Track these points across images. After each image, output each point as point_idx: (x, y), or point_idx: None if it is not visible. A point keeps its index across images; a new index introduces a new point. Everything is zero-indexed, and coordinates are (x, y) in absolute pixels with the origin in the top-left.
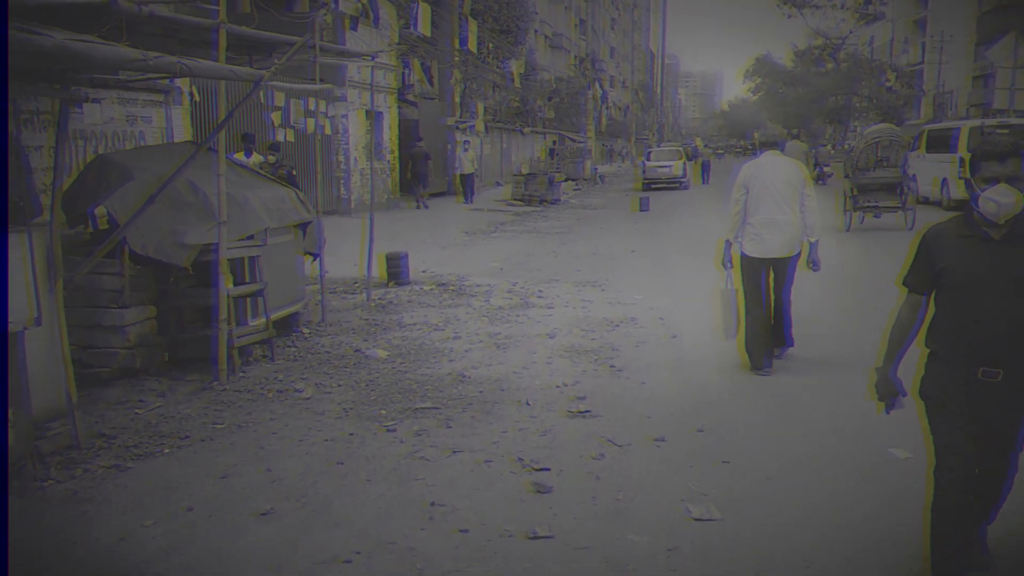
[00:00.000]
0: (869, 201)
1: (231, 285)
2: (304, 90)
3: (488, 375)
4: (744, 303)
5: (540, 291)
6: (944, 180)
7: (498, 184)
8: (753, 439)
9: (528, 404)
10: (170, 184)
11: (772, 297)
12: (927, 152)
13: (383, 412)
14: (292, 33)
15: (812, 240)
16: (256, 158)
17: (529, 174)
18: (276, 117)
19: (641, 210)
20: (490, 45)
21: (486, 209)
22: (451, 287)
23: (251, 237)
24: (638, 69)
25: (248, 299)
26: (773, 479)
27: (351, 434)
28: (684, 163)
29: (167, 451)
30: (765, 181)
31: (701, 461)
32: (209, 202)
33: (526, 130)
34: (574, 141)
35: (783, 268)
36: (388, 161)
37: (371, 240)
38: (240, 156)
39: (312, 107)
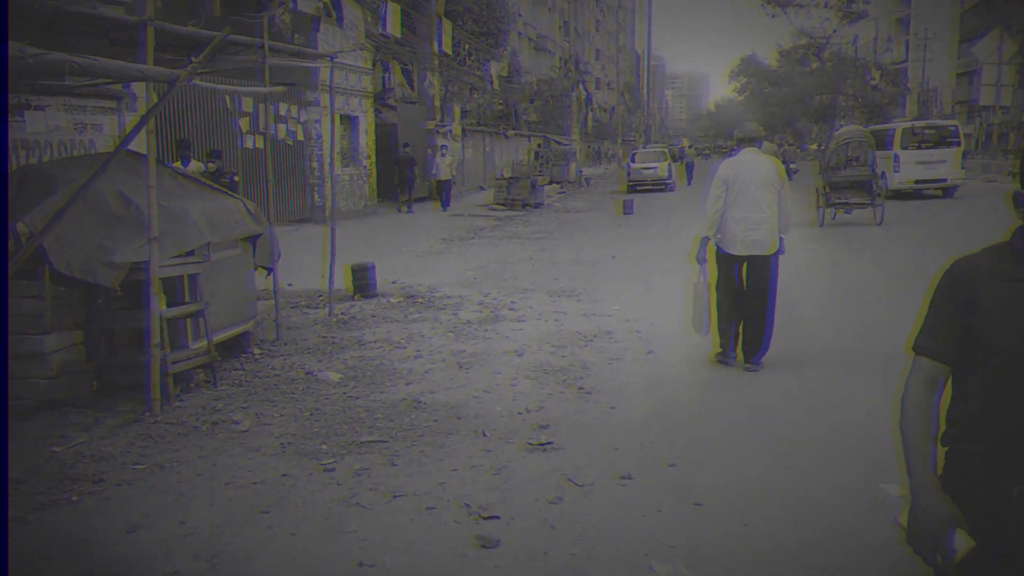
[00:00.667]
0: (840, 198)
1: (164, 306)
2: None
3: (446, 400)
4: (715, 299)
5: (513, 303)
6: (883, 173)
7: (481, 188)
8: (729, 474)
9: (485, 435)
10: (97, 196)
11: (744, 295)
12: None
13: (324, 447)
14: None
15: (784, 235)
16: (195, 166)
17: (511, 178)
18: (244, 123)
19: (625, 213)
20: (466, 47)
21: (467, 214)
22: (420, 299)
23: (191, 253)
24: (624, 71)
25: (188, 320)
26: (750, 526)
27: (284, 475)
28: (669, 164)
29: (75, 499)
30: (744, 179)
31: (671, 503)
32: (143, 215)
33: (510, 133)
34: (559, 143)
35: (760, 266)
36: (365, 167)
37: (333, 251)
38: (177, 165)
39: (283, 112)
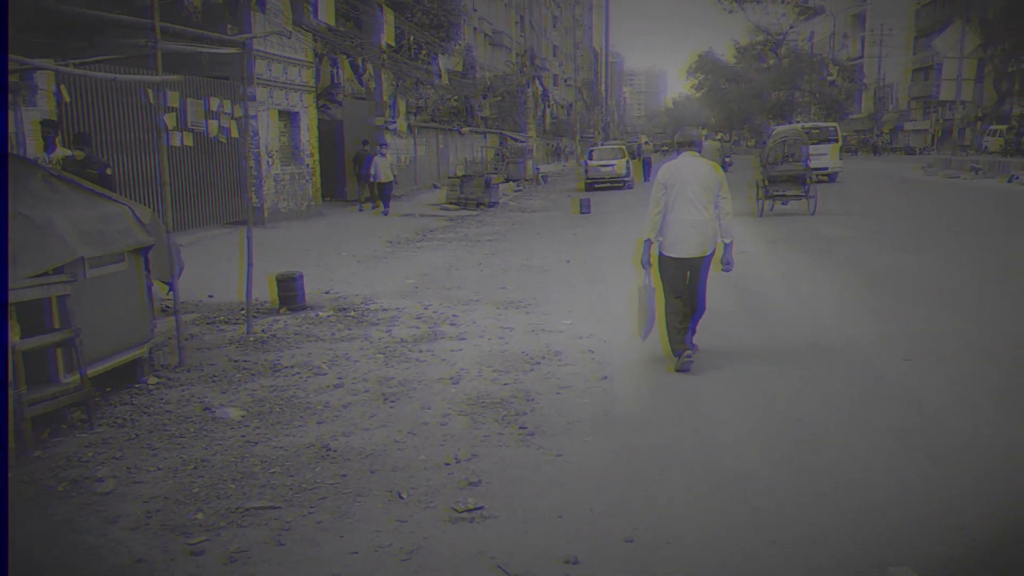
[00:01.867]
0: (778, 191)
1: (18, 338)
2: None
3: (361, 445)
4: (663, 300)
5: (455, 316)
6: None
7: (435, 187)
8: (702, 551)
9: (401, 497)
10: None
11: (687, 295)
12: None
13: (200, 516)
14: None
15: (727, 241)
16: (59, 152)
17: (464, 176)
18: (171, 119)
19: (582, 212)
20: (411, 38)
21: (418, 214)
22: (352, 313)
23: (60, 271)
24: (582, 67)
25: (59, 350)
26: None
27: (138, 560)
28: (627, 161)
29: None
30: (683, 182)
31: None
32: None
33: (464, 129)
34: (516, 140)
35: (696, 267)
36: (308, 165)
37: (250, 260)
38: (39, 152)
39: (215, 107)
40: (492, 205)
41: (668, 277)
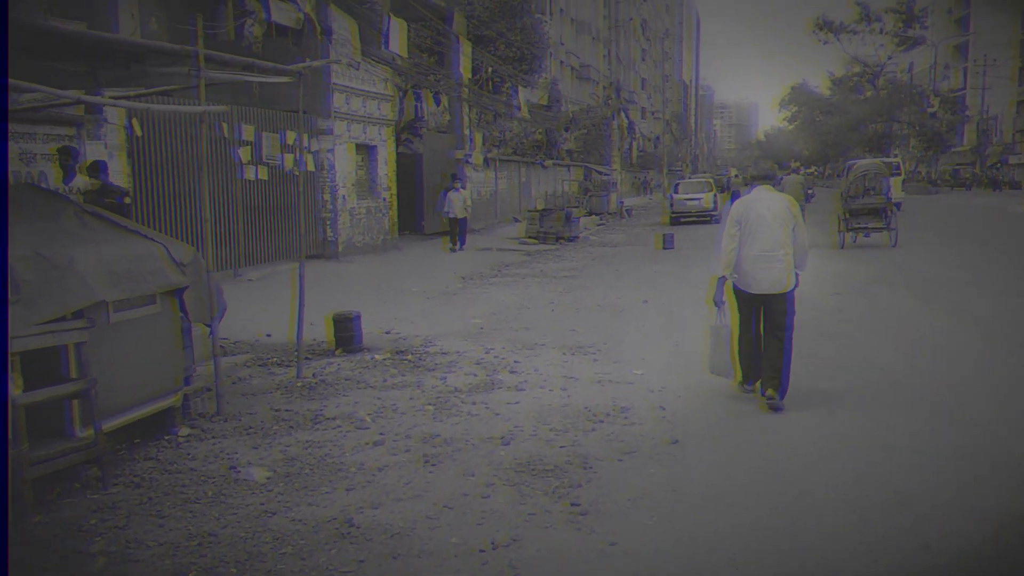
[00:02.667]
0: (859, 224)
1: (19, 391)
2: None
3: (388, 522)
4: (737, 336)
5: (516, 363)
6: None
7: (515, 220)
8: None
9: None
10: None
11: (763, 333)
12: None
13: None
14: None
15: (800, 271)
16: (79, 182)
17: (544, 210)
18: (245, 153)
19: (665, 248)
20: (489, 70)
21: (495, 248)
22: (409, 356)
23: (79, 315)
24: (671, 100)
25: (76, 403)
26: None
27: None
28: (715, 195)
29: None
30: (757, 216)
31: None
32: (10, 269)
33: (547, 163)
34: (600, 173)
35: (778, 304)
36: (385, 199)
37: (301, 300)
38: (58, 183)
39: (292, 141)
40: (572, 239)
41: (743, 313)
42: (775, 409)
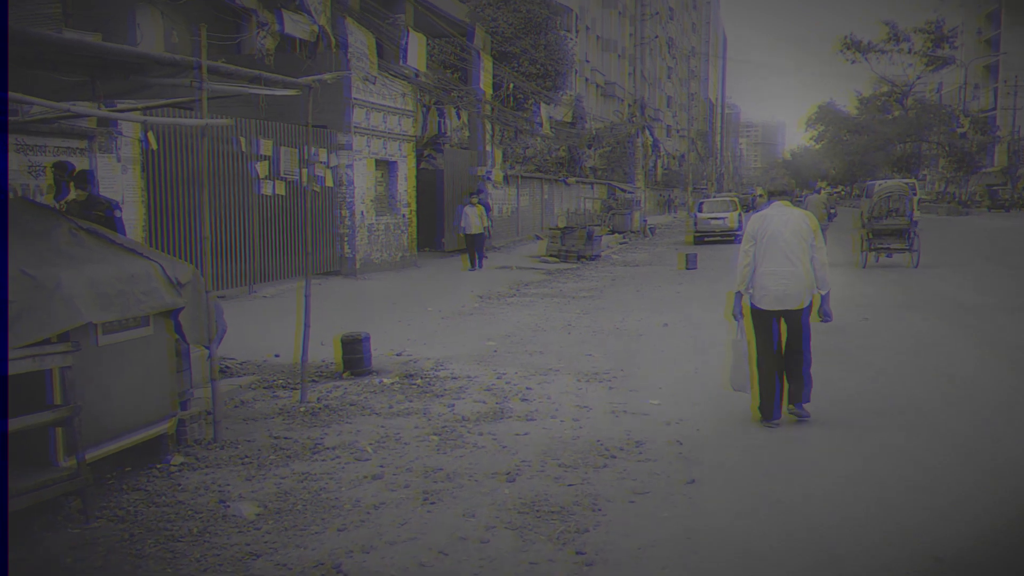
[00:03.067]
0: (882, 244)
1: None
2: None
3: (377, 570)
4: (755, 355)
5: (528, 389)
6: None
7: (537, 238)
8: None
9: None
10: None
11: (783, 349)
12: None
13: None
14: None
15: (823, 292)
16: (77, 193)
17: (566, 228)
18: (263, 167)
19: (688, 268)
20: (510, 86)
21: (514, 267)
22: (418, 380)
23: (66, 337)
24: (696, 118)
25: (60, 430)
26: None
27: None
28: (740, 214)
29: None
30: (773, 232)
31: None
32: None
33: (571, 180)
34: (624, 191)
35: (794, 320)
36: (404, 215)
37: (306, 321)
38: (49, 199)
39: (309, 156)
40: (594, 258)
41: (761, 330)
42: (801, 419)
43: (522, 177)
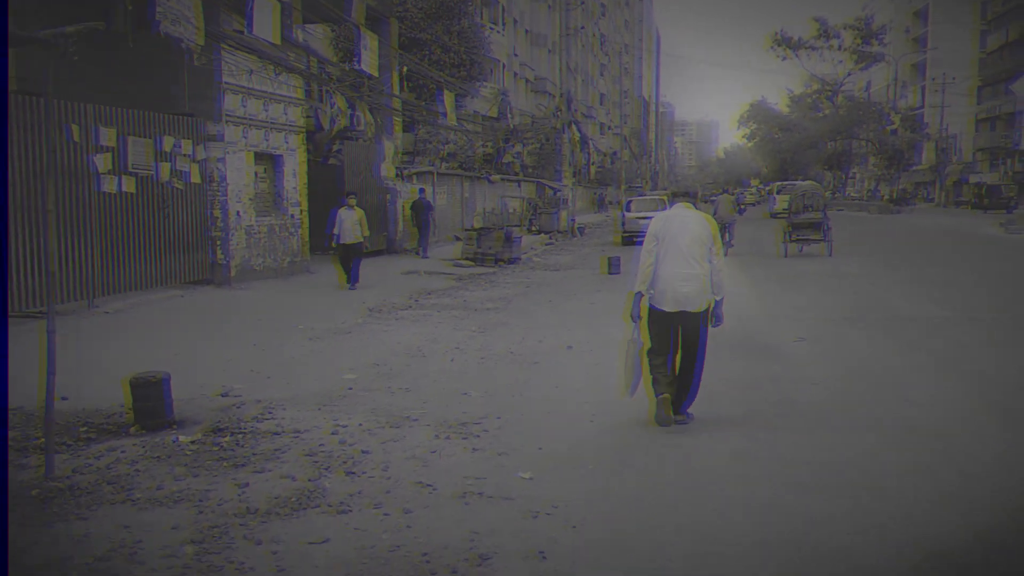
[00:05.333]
0: (800, 236)
1: None
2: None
3: None
4: (648, 356)
5: (364, 453)
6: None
7: (456, 239)
8: None
9: None
10: None
11: (679, 352)
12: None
13: None
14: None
15: (717, 298)
16: None
17: (482, 229)
18: (104, 161)
19: (610, 272)
20: (404, 70)
21: (422, 272)
22: (227, 438)
23: None
24: (630, 116)
25: None
26: None
27: None
28: None
29: None
30: (674, 234)
31: None
32: None
33: (495, 177)
34: (553, 189)
35: (691, 323)
36: (294, 216)
37: (51, 367)
38: None
39: (170, 148)
40: (513, 261)
41: (656, 331)
42: (683, 423)
43: (440, 174)
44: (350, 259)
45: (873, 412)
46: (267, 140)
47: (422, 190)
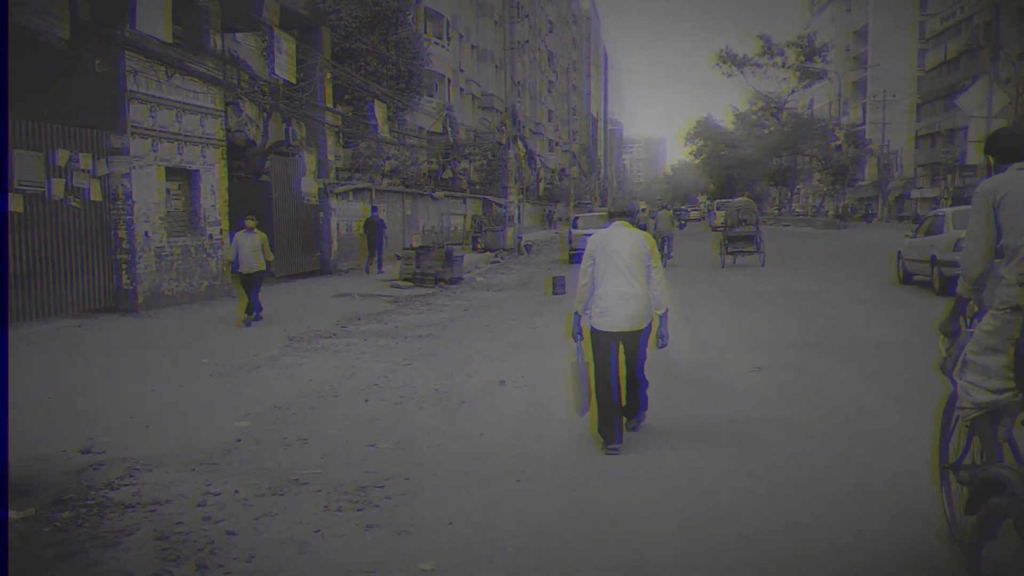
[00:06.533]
0: (735, 248)
1: None
2: None
3: None
4: (593, 377)
5: (230, 533)
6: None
7: (398, 258)
8: None
9: None
10: None
11: (622, 371)
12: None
13: None
14: None
15: (660, 312)
16: None
17: (421, 247)
18: None
19: (555, 293)
20: (326, 75)
21: (357, 294)
22: (67, 512)
23: None
24: (579, 133)
25: None
26: None
27: None
28: None
29: None
30: (611, 252)
31: None
32: None
33: (438, 194)
34: (500, 206)
35: (632, 342)
36: (213, 236)
37: None
38: None
39: (65, 162)
40: (454, 282)
41: (600, 352)
42: (634, 429)
43: (378, 191)
44: (251, 289)
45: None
46: (181, 154)
47: (375, 208)
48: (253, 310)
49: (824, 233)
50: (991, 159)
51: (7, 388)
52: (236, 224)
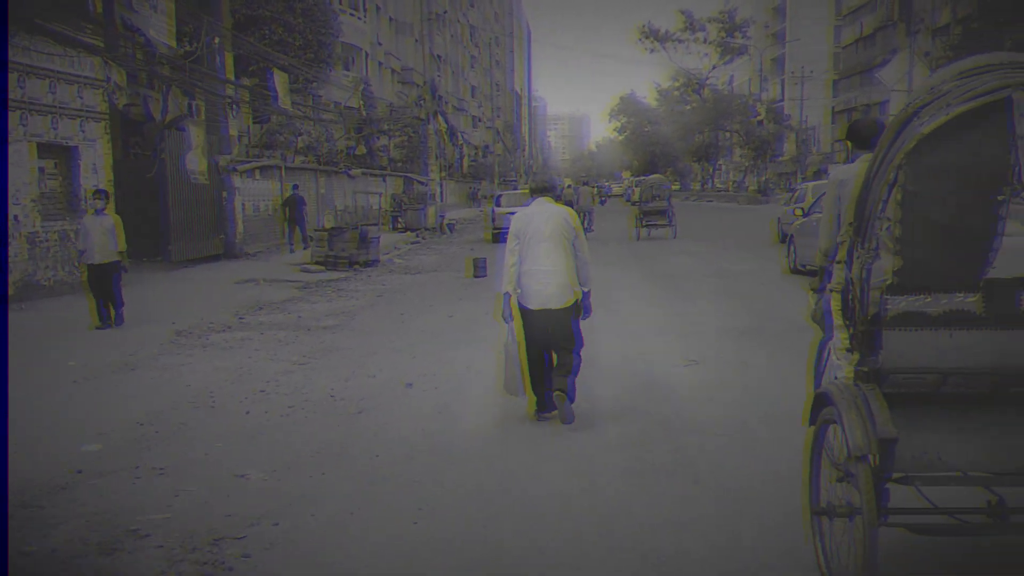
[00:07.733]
0: (649, 221)
1: None
2: None
3: None
4: (526, 355)
5: None
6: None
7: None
8: None
9: None
10: None
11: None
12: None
13: None
14: None
15: (585, 290)
16: None
17: (334, 229)
18: None
19: (476, 276)
20: (216, 40)
21: (264, 279)
22: None
23: None
24: (503, 109)
25: None
26: None
27: None
28: None
29: None
30: (535, 229)
31: None
32: None
33: (355, 171)
34: (422, 184)
35: (559, 320)
36: None
37: None
38: None
39: None
40: (370, 264)
41: (530, 331)
42: (565, 422)
43: (288, 168)
44: (106, 284)
45: None
46: (56, 129)
47: (296, 185)
48: (115, 308)
49: (745, 209)
50: (849, 144)
51: None
52: (88, 204)
